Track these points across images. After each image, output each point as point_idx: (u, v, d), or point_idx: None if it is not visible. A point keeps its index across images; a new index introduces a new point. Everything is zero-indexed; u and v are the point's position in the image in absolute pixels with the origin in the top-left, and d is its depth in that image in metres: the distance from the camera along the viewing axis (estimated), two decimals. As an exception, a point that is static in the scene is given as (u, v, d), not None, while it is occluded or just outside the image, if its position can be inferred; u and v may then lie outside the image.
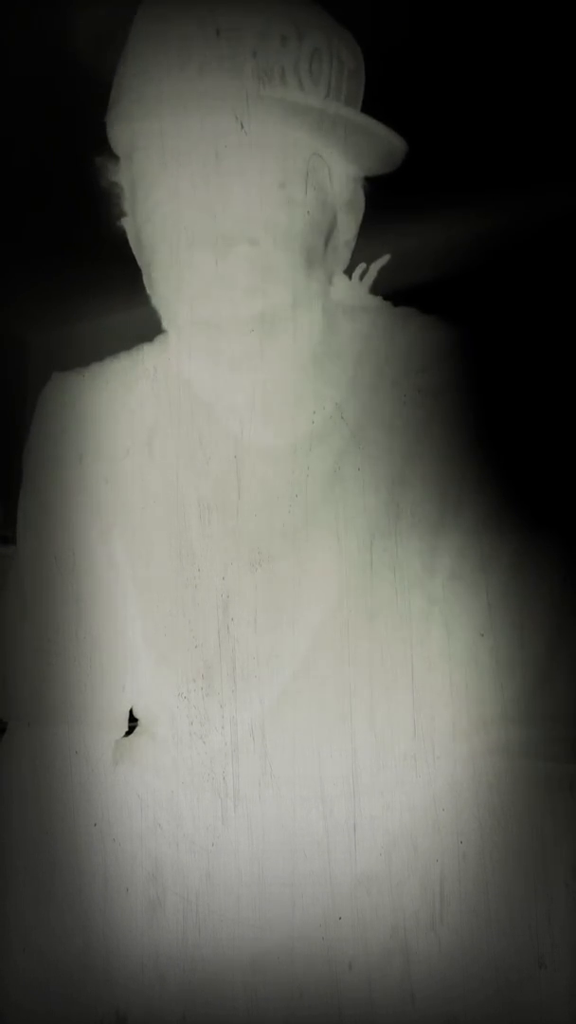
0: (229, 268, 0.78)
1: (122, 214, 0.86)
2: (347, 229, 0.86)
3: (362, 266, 1.20)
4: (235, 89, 0.77)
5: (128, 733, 0.95)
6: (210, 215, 0.78)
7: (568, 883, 0.79)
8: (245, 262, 0.79)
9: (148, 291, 0.84)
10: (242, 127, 0.78)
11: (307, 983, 0.85)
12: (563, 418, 0.88)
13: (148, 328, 0.92)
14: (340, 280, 0.91)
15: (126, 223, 0.86)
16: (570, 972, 0.78)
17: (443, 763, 0.84)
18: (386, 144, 0.84)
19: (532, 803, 0.81)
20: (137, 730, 0.97)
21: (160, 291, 0.82)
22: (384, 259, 0.91)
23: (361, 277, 1.18)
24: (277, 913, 0.86)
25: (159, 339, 0.93)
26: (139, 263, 0.85)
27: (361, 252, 0.91)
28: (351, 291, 1.19)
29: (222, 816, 0.88)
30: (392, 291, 0.93)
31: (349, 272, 1.20)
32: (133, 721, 0.96)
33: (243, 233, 0.78)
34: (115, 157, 0.85)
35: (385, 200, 0.89)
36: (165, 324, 0.85)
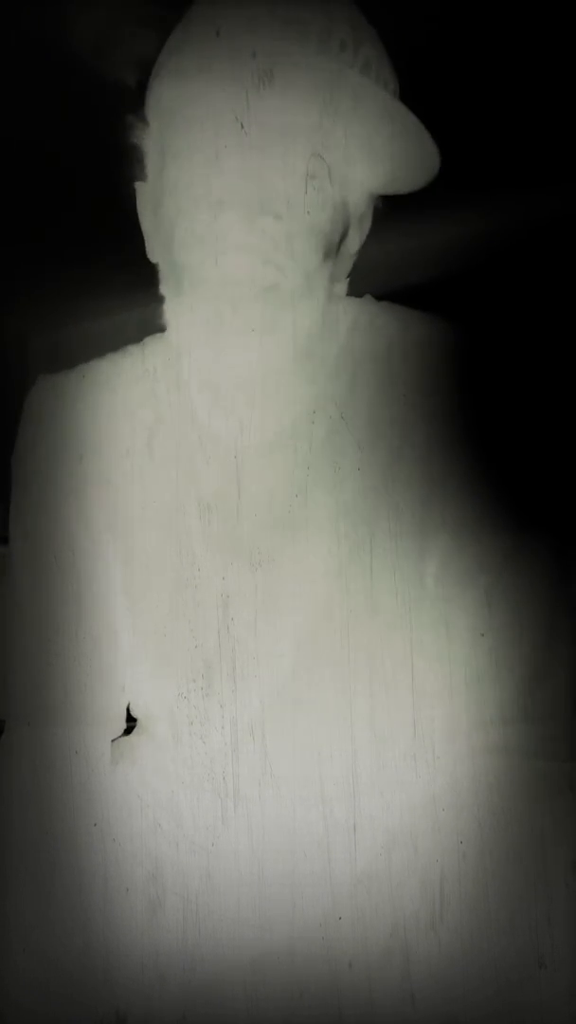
0: (252, 236, 0.79)
1: (138, 178, 0.86)
2: (354, 242, 0.87)
3: None
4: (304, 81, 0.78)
5: (126, 732, 0.95)
6: (236, 187, 0.79)
7: (568, 883, 0.79)
8: (265, 235, 0.79)
9: (153, 257, 0.85)
10: (242, 127, 0.78)
11: (307, 983, 0.85)
12: (556, 416, 0.89)
13: (148, 328, 0.92)
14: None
15: (141, 187, 0.86)
16: (570, 972, 0.78)
17: (443, 763, 0.84)
18: (419, 149, 0.85)
19: (532, 802, 0.81)
20: (137, 730, 0.97)
21: (177, 255, 0.82)
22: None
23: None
24: (277, 913, 0.86)
25: (158, 338, 0.93)
26: (144, 227, 0.86)
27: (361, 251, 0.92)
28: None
29: (222, 816, 0.88)
30: (388, 291, 0.93)
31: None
32: (131, 720, 0.96)
33: (270, 207, 0.79)
34: (145, 120, 0.85)
35: (384, 200, 0.90)
36: (165, 288, 0.84)
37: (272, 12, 0.79)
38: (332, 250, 0.84)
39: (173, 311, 0.85)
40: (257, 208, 0.79)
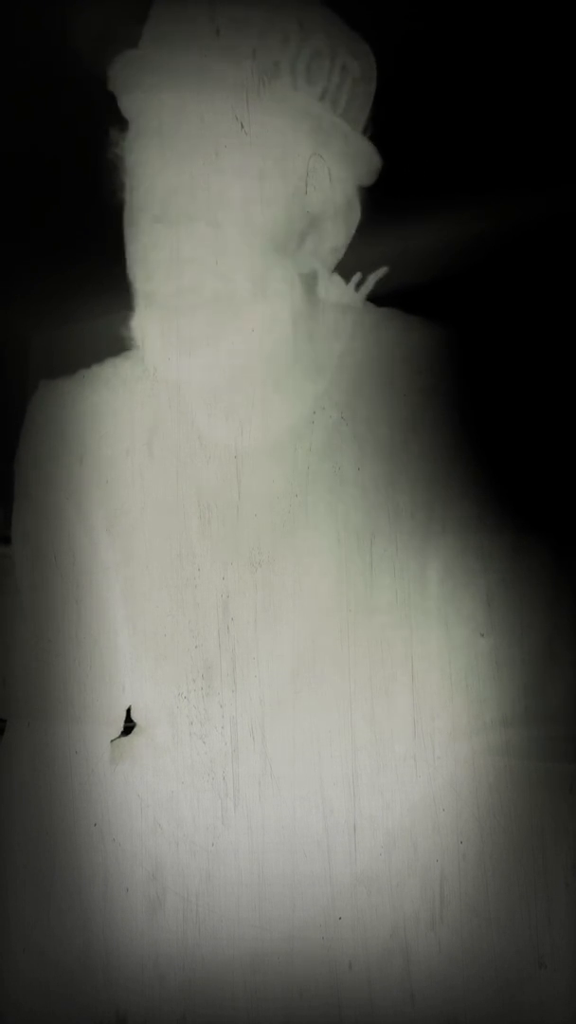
0: (187, 247, 0.80)
1: (120, 188, 0.87)
2: (335, 236, 0.86)
3: (358, 275, 1.19)
4: (232, 82, 0.78)
5: (125, 733, 0.95)
6: (176, 194, 0.80)
7: (568, 883, 0.79)
8: (203, 243, 0.80)
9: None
10: (241, 126, 0.79)
11: (307, 983, 0.85)
12: (556, 417, 0.89)
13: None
14: (334, 285, 0.92)
15: (124, 199, 0.87)
16: (570, 972, 0.78)
17: (443, 763, 0.84)
18: (360, 156, 0.85)
19: (532, 803, 0.81)
20: (137, 730, 0.97)
21: (130, 265, 0.83)
22: (382, 271, 0.92)
23: (357, 287, 1.18)
24: (277, 913, 0.86)
25: (156, 343, 0.93)
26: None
27: (354, 254, 0.91)
28: (346, 299, 1.19)
29: (222, 816, 0.88)
30: (384, 293, 0.94)
31: (345, 279, 1.20)
32: (129, 722, 0.96)
33: (201, 215, 0.79)
34: (126, 131, 0.86)
35: (379, 202, 0.90)
36: (136, 299, 0.85)
37: (211, 17, 0.78)
38: (288, 246, 0.83)
39: (140, 323, 0.86)
40: (190, 217, 0.79)
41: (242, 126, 0.79)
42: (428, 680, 0.85)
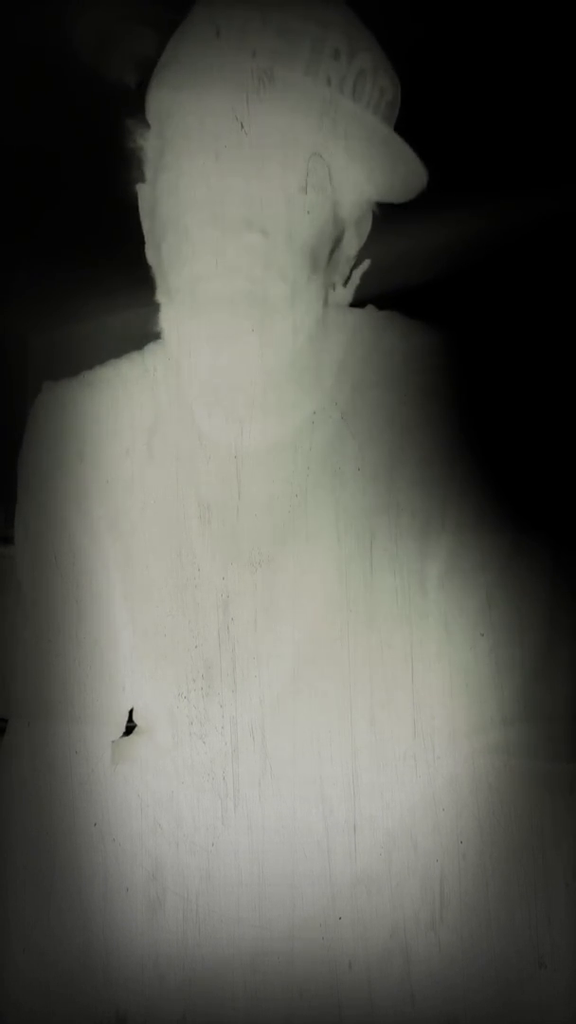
0: (236, 254, 0.79)
1: (140, 179, 0.86)
2: (350, 246, 0.87)
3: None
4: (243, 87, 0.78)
5: (126, 734, 0.95)
6: (227, 199, 0.79)
7: (568, 883, 0.79)
8: (251, 251, 0.80)
9: (149, 260, 0.85)
10: (242, 126, 0.79)
11: (307, 983, 0.85)
12: (555, 417, 0.89)
13: (148, 328, 0.92)
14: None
15: (141, 189, 0.86)
16: (570, 972, 0.78)
17: (443, 763, 0.84)
18: (408, 170, 0.85)
19: (532, 803, 0.81)
20: (137, 730, 0.97)
21: (167, 264, 0.83)
22: (365, 264, 0.93)
23: (344, 283, 1.19)
24: (277, 913, 0.86)
25: (159, 342, 0.93)
26: (144, 229, 0.86)
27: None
28: (333, 296, 1.20)
29: (222, 816, 0.88)
30: (385, 293, 0.94)
31: None
32: (131, 723, 0.96)
33: (255, 223, 0.79)
34: (145, 122, 0.85)
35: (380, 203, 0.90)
36: (160, 295, 0.85)
37: (265, 21, 0.78)
38: (322, 260, 0.84)
39: (167, 318, 0.85)
40: (243, 224, 0.79)
41: (242, 125, 0.79)
42: (428, 680, 0.85)
